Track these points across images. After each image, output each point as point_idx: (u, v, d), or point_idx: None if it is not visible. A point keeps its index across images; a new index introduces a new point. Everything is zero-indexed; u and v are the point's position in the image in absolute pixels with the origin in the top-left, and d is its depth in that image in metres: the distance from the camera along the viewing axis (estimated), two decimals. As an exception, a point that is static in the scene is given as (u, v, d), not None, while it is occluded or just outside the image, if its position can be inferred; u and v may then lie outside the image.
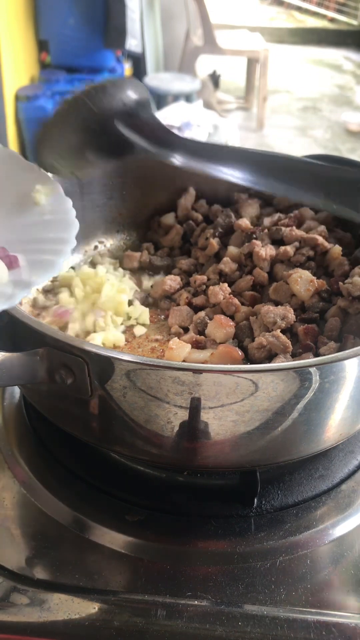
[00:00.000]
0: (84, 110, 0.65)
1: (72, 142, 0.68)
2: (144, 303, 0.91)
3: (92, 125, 0.65)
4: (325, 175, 0.67)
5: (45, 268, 0.54)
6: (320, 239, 0.85)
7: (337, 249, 0.85)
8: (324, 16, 7.35)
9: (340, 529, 0.65)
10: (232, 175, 0.67)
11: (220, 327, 0.78)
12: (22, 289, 0.51)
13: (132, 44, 3.31)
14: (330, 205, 0.64)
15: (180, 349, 0.75)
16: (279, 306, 0.78)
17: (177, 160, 0.66)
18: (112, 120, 0.65)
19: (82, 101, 0.65)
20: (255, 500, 0.66)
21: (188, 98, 3.59)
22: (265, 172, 0.66)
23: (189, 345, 0.76)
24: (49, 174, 0.69)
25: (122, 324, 0.87)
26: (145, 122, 0.65)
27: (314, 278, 0.80)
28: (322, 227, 0.89)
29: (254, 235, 0.90)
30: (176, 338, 0.78)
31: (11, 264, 0.55)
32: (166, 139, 0.65)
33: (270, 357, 0.74)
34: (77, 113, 0.66)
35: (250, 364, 0.75)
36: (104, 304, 0.85)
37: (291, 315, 0.77)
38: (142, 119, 0.65)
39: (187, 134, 3.14)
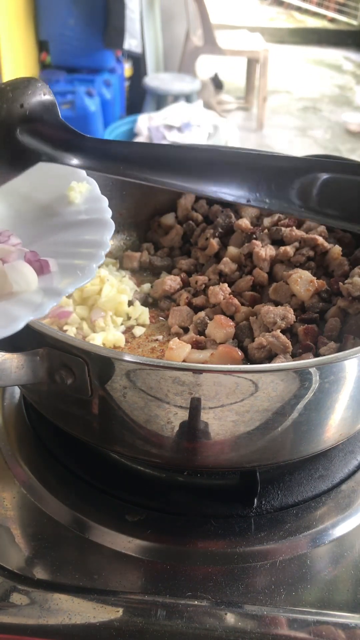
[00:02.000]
0: None
1: None
2: (144, 303, 0.91)
3: None
4: (253, 167, 0.60)
5: (78, 274, 0.50)
6: (320, 239, 0.85)
7: (337, 249, 0.85)
8: (324, 16, 7.35)
9: (340, 529, 0.65)
10: (145, 178, 0.61)
11: (220, 327, 0.78)
12: (52, 298, 0.47)
13: (132, 44, 3.31)
14: (262, 201, 0.58)
15: (180, 349, 0.75)
16: (279, 306, 0.78)
17: (82, 163, 0.58)
18: (12, 129, 0.59)
19: None
20: (255, 500, 0.66)
21: (188, 98, 3.59)
22: (183, 171, 0.60)
23: (189, 346, 0.76)
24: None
25: (122, 324, 0.87)
26: (49, 127, 0.59)
27: (314, 278, 0.80)
28: (322, 227, 0.89)
29: (254, 236, 0.90)
30: (176, 338, 0.78)
31: (42, 269, 0.51)
32: (72, 141, 0.59)
33: (270, 358, 0.74)
34: None
35: (250, 364, 0.75)
36: (104, 304, 0.85)
37: (291, 316, 0.77)
38: (45, 123, 0.59)
39: (187, 134, 3.14)
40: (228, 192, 0.59)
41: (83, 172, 0.65)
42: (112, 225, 0.57)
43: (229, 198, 0.59)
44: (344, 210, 0.59)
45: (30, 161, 0.59)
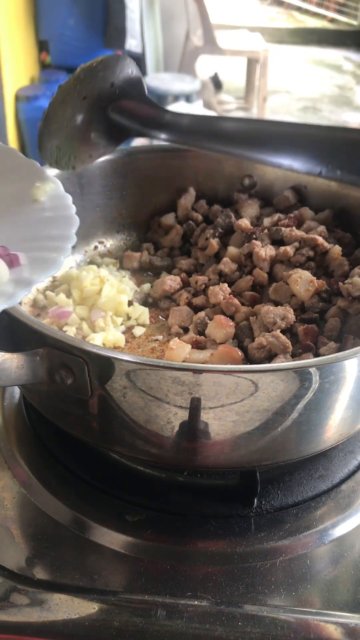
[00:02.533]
0: (85, 87, 0.65)
1: (75, 121, 0.67)
2: (144, 303, 0.91)
3: (93, 103, 0.64)
4: (325, 139, 0.62)
5: (46, 266, 0.54)
6: (320, 239, 0.85)
7: (337, 249, 0.85)
8: (324, 16, 7.35)
9: (340, 529, 0.65)
10: (228, 151, 0.65)
11: (220, 328, 0.78)
12: (23, 288, 0.51)
13: (132, 44, 3.31)
14: (334, 173, 0.60)
15: (180, 349, 0.75)
16: (279, 306, 0.78)
17: (170, 139, 0.63)
18: (104, 106, 0.64)
19: (86, 75, 0.64)
20: (255, 500, 0.66)
21: (188, 98, 3.59)
22: (262, 145, 0.62)
23: (189, 346, 0.76)
24: (48, 171, 0.69)
25: (122, 324, 0.87)
26: (136, 103, 0.64)
27: (314, 278, 0.80)
28: (322, 227, 0.89)
29: (254, 236, 0.90)
30: (176, 338, 0.78)
31: (12, 262, 0.54)
32: (158, 118, 0.63)
33: (270, 357, 0.74)
34: (80, 89, 0.65)
35: (250, 364, 0.75)
36: (104, 305, 0.85)
37: (291, 316, 0.77)
38: (133, 100, 0.64)
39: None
40: (301, 164, 0.62)
41: (46, 172, 0.68)
42: (77, 221, 0.60)
43: (302, 169, 0.62)
44: None
45: (123, 135, 0.65)
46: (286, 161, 0.62)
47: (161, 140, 0.63)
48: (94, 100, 0.65)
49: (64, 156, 0.69)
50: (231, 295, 0.83)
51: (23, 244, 0.57)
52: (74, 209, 0.62)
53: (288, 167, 0.63)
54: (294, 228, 0.88)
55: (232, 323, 0.79)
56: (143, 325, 0.87)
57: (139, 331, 0.86)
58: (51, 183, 0.65)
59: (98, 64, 0.66)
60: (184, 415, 0.57)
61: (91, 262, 0.98)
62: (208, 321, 0.81)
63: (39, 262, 0.54)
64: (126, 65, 0.64)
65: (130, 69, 0.65)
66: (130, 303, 0.89)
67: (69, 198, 0.63)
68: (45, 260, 0.54)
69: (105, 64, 0.65)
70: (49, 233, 0.59)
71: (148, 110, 0.64)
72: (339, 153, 0.60)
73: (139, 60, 3.71)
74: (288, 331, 0.77)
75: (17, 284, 0.51)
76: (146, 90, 0.66)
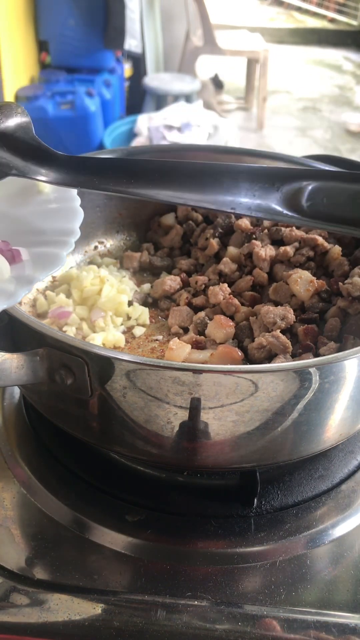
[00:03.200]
0: None
1: None
2: (144, 303, 0.91)
3: None
4: (235, 173, 0.57)
5: (49, 262, 0.51)
6: (320, 239, 0.85)
7: (337, 249, 0.85)
8: (323, 16, 7.35)
9: (340, 529, 0.65)
10: (120, 190, 0.59)
11: (220, 328, 0.78)
12: (25, 286, 0.49)
13: (132, 44, 3.31)
14: (246, 209, 0.56)
15: (180, 349, 0.75)
16: (279, 306, 0.78)
17: (54, 178, 0.57)
18: None
19: None
20: (255, 500, 0.66)
21: (188, 98, 3.59)
22: (162, 182, 0.57)
23: (189, 346, 0.76)
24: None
25: (122, 324, 0.87)
26: (22, 143, 0.58)
27: (314, 278, 0.80)
28: (322, 228, 0.89)
29: (254, 236, 0.90)
30: (176, 338, 0.78)
31: (14, 258, 0.52)
32: (44, 157, 0.58)
33: (270, 358, 0.74)
34: None
35: (250, 364, 0.75)
36: (104, 305, 0.85)
37: (291, 316, 0.77)
38: (19, 141, 0.58)
39: (187, 135, 3.14)
40: (211, 201, 0.57)
41: None
42: (81, 213, 0.58)
43: (212, 207, 0.58)
44: (333, 217, 0.58)
45: (1, 174, 0.57)
46: (193, 198, 0.57)
47: (45, 181, 0.57)
48: None
49: None
50: (231, 295, 0.83)
51: (25, 238, 0.55)
52: (78, 200, 0.59)
53: (197, 205, 0.59)
54: (293, 228, 0.88)
55: (232, 323, 0.79)
56: (143, 325, 0.87)
57: (139, 331, 0.86)
58: None
59: None
60: (184, 415, 0.57)
61: (91, 262, 0.98)
62: (208, 321, 0.81)
63: (41, 258, 0.52)
64: (13, 110, 0.59)
65: (16, 114, 0.60)
66: (130, 303, 0.89)
67: (74, 190, 0.60)
68: (48, 256, 0.52)
69: None
70: (52, 226, 0.56)
71: (36, 151, 0.58)
72: (249, 188, 0.56)
73: (139, 60, 3.71)
74: (288, 331, 0.77)
75: (18, 282, 0.49)
76: (34, 134, 0.60)
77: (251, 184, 0.57)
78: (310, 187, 0.58)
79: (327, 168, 0.86)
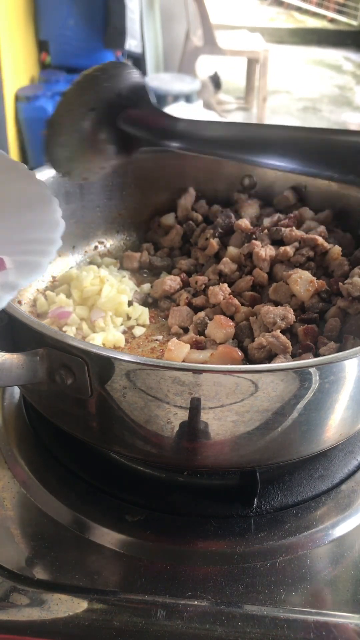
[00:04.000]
0: (92, 97, 0.64)
1: (84, 133, 0.66)
2: (144, 303, 0.91)
3: (102, 114, 0.64)
4: (328, 142, 0.61)
5: (31, 269, 0.54)
6: (320, 240, 0.85)
7: (336, 249, 0.85)
8: (323, 16, 7.35)
9: (340, 529, 0.65)
10: (234, 157, 0.65)
11: (220, 328, 0.78)
12: (9, 291, 0.51)
13: (132, 44, 3.31)
14: (345, 176, 0.60)
15: (178, 350, 0.75)
16: (279, 306, 0.78)
17: (184, 148, 0.63)
18: (113, 118, 0.63)
19: (90, 80, 0.65)
20: (255, 500, 0.66)
21: (188, 98, 3.59)
22: (268, 150, 0.62)
23: (188, 346, 0.76)
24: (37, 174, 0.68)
25: (122, 324, 0.87)
26: (146, 112, 0.63)
27: (314, 278, 0.80)
28: (322, 228, 0.89)
29: (254, 236, 0.90)
30: (175, 339, 0.78)
31: None
32: (171, 127, 0.62)
33: (270, 358, 0.74)
34: (86, 99, 0.65)
35: (250, 364, 0.75)
36: (104, 305, 0.85)
37: (291, 316, 0.77)
38: (141, 109, 0.63)
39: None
40: (309, 168, 0.61)
41: (32, 173, 0.67)
42: (62, 224, 0.60)
43: (311, 173, 0.63)
44: None
45: (135, 145, 0.64)
46: (294, 166, 0.62)
47: (174, 149, 0.63)
48: (102, 112, 0.64)
49: (76, 168, 0.68)
50: (231, 296, 0.83)
51: (8, 248, 0.57)
52: (59, 212, 0.62)
53: (300, 171, 0.64)
54: (293, 228, 0.88)
55: (232, 323, 0.79)
56: (143, 325, 0.87)
57: (139, 331, 0.86)
58: (37, 185, 0.66)
59: (102, 72, 0.64)
60: (184, 415, 0.57)
61: (91, 262, 0.98)
62: (208, 321, 0.81)
63: (24, 266, 0.55)
64: (130, 73, 0.64)
65: (134, 77, 0.64)
66: (130, 303, 0.89)
67: (56, 201, 0.63)
68: (31, 264, 0.55)
69: (109, 73, 0.64)
70: (34, 236, 0.59)
71: (159, 120, 0.63)
72: (340, 157, 0.60)
73: (139, 60, 3.71)
74: (288, 331, 0.77)
75: (2, 288, 0.52)
76: (152, 97, 0.65)
77: (342, 154, 0.60)
78: None
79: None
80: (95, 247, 1.00)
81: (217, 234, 0.94)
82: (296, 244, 0.87)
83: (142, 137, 0.63)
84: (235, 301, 0.82)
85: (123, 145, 0.65)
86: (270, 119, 4.60)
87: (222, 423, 0.57)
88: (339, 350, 0.73)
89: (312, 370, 0.55)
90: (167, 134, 0.62)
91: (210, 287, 0.85)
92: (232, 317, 0.81)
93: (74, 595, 0.58)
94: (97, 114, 0.64)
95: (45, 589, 0.58)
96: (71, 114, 0.66)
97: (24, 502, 0.67)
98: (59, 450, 0.73)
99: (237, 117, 4.67)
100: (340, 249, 0.85)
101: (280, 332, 0.75)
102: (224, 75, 4.73)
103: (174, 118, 0.63)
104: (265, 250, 0.85)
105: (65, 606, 0.57)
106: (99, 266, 0.95)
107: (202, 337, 0.80)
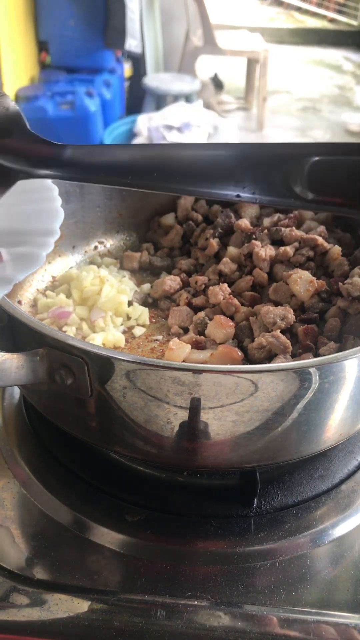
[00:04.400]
0: None
1: None
2: (144, 303, 0.91)
3: None
4: (236, 158, 0.55)
5: (28, 262, 0.52)
6: (320, 240, 0.85)
7: (336, 249, 0.85)
8: (323, 16, 7.35)
9: (340, 529, 0.65)
10: (128, 183, 0.55)
11: (220, 328, 0.78)
12: (4, 286, 0.49)
13: (132, 44, 3.31)
14: (251, 194, 0.54)
15: (180, 350, 0.75)
16: (279, 306, 0.78)
17: (63, 175, 0.55)
18: None
19: None
20: (255, 500, 0.66)
21: (188, 98, 3.59)
22: (167, 173, 0.55)
23: (189, 346, 0.76)
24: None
25: (122, 324, 0.87)
26: (20, 142, 0.55)
27: (314, 278, 0.80)
28: (322, 228, 0.89)
29: (254, 236, 0.90)
30: (176, 338, 0.78)
31: None
32: (50, 154, 0.54)
33: (270, 358, 0.74)
34: None
35: (250, 364, 0.75)
36: (104, 305, 0.85)
37: (291, 316, 0.77)
38: (15, 138, 0.55)
39: (187, 135, 3.14)
40: (216, 190, 0.55)
41: None
42: (62, 214, 0.58)
43: (219, 195, 0.55)
44: (337, 195, 0.56)
45: (10, 179, 0.55)
46: (200, 189, 0.56)
47: (60, 179, 0.55)
48: None
49: None
50: (231, 296, 0.83)
51: (5, 238, 0.55)
52: (59, 201, 0.59)
53: (203, 195, 0.58)
54: (293, 228, 0.88)
55: (232, 323, 0.79)
56: (143, 325, 0.87)
57: (139, 331, 0.86)
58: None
59: None
60: (183, 415, 0.57)
61: (91, 262, 0.98)
62: (208, 321, 0.81)
63: (21, 258, 0.52)
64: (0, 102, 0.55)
65: (4, 106, 0.55)
66: (130, 303, 0.89)
67: (55, 190, 0.60)
68: (28, 256, 0.53)
69: None
70: (32, 227, 0.57)
71: (40, 148, 0.55)
72: (251, 172, 0.54)
73: (139, 60, 3.71)
74: (288, 331, 0.77)
75: None
76: (28, 125, 0.56)
77: (253, 169, 0.55)
78: (309, 164, 0.55)
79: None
80: (95, 247, 1.00)
81: (217, 234, 0.94)
82: (296, 244, 0.87)
83: (18, 168, 0.54)
84: (235, 301, 0.82)
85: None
86: (270, 119, 4.60)
87: (222, 423, 0.57)
88: (339, 350, 0.73)
89: (312, 370, 0.55)
90: (49, 162, 0.54)
91: (210, 287, 0.85)
92: (232, 317, 0.81)
93: (74, 595, 0.58)
94: None
95: (45, 589, 0.58)
96: None
97: (24, 502, 0.67)
98: (59, 450, 0.73)
99: (237, 117, 4.67)
100: (340, 249, 0.85)
101: (280, 332, 0.75)
102: (224, 75, 4.73)
103: (58, 145, 0.55)
104: (265, 250, 0.85)
105: (65, 606, 0.57)
106: (99, 266, 0.95)
107: (202, 337, 0.80)
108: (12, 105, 0.55)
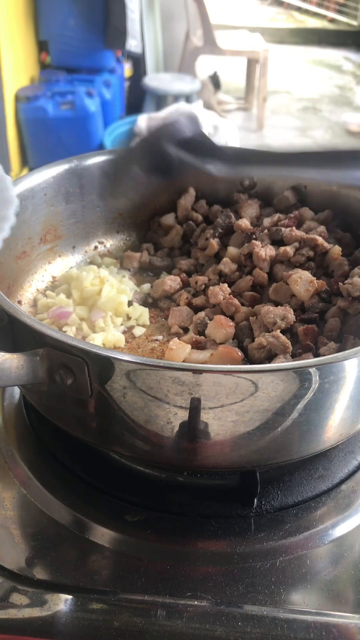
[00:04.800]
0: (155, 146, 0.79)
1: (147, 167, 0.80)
2: (144, 303, 0.91)
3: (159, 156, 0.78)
4: None
5: None
6: (320, 240, 0.85)
7: (336, 249, 0.85)
8: (324, 16, 7.34)
9: (340, 529, 0.65)
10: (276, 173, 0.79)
11: (220, 328, 0.78)
12: None
13: (132, 44, 3.31)
14: None
15: (180, 350, 0.75)
16: (279, 306, 0.78)
17: (217, 169, 0.77)
18: (166, 150, 0.78)
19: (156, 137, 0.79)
20: (255, 500, 0.66)
21: (188, 99, 3.59)
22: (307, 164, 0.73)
23: (189, 346, 0.76)
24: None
25: (122, 324, 0.87)
26: (195, 143, 0.77)
27: (314, 278, 0.80)
28: (322, 228, 0.89)
29: (254, 236, 0.90)
30: (176, 338, 0.78)
31: None
32: (209, 151, 0.74)
33: (270, 358, 0.74)
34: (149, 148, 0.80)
35: (250, 364, 0.75)
36: (104, 305, 0.85)
37: (291, 316, 0.77)
38: (192, 142, 0.77)
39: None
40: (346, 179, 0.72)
41: None
42: (14, 201, 0.61)
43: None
44: None
45: (180, 169, 0.78)
46: (339, 175, 0.75)
47: (218, 172, 0.78)
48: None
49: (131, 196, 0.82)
50: (231, 296, 0.83)
51: None
52: (13, 189, 0.62)
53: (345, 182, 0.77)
54: (293, 228, 0.88)
55: (232, 323, 0.79)
56: (143, 325, 0.87)
57: (139, 331, 0.86)
58: None
59: (169, 123, 0.79)
60: (184, 415, 0.57)
61: (91, 262, 0.98)
62: (208, 321, 0.81)
63: None
64: (190, 121, 0.79)
65: (194, 124, 0.79)
66: (130, 303, 0.89)
67: (8, 179, 0.63)
68: None
69: (175, 124, 0.79)
70: None
71: (204, 147, 0.77)
72: None
73: (139, 60, 3.71)
74: (288, 331, 0.77)
75: None
76: (205, 136, 0.80)
77: None
78: None
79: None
80: (95, 247, 1.00)
81: (217, 234, 0.94)
82: (296, 244, 0.87)
83: (190, 162, 0.77)
84: (235, 301, 0.82)
85: (171, 170, 0.81)
86: (270, 119, 4.60)
87: (222, 423, 0.57)
88: (339, 350, 0.73)
89: (312, 370, 0.55)
90: (211, 156, 0.76)
91: (210, 287, 0.85)
92: (232, 317, 0.81)
93: (74, 595, 0.58)
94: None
95: (45, 589, 0.58)
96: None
97: (24, 502, 0.67)
98: (59, 451, 0.73)
99: (237, 117, 4.67)
100: (340, 249, 0.85)
101: (280, 332, 0.75)
102: (224, 75, 4.73)
103: (220, 146, 0.79)
104: (265, 251, 0.85)
105: (65, 606, 0.57)
106: (99, 266, 0.95)
107: (202, 337, 0.80)
108: (198, 123, 0.78)
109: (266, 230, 0.90)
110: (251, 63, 4.60)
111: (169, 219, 1.01)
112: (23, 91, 2.97)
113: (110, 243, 1.02)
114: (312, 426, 0.60)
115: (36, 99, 2.93)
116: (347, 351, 0.56)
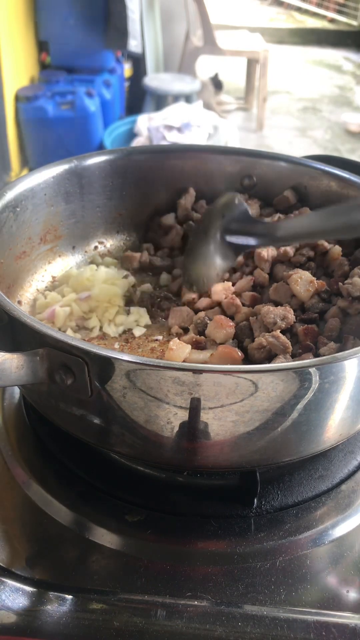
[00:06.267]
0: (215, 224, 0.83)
1: (209, 253, 0.83)
2: (140, 303, 0.91)
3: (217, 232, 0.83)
4: None
5: None
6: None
7: (337, 250, 0.85)
8: (323, 17, 7.35)
9: (340, 529, 0.65)
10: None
11: (220, 328, 0.78)
12: None
13: (132, 44, 3.31)
14: None
15: (180, 350, 0.75)
16: (279, 307, 0.78)
17: (270, 243, 0.82)
18: (222, 234, 0.82)
19: (215, 215, 0.83)
20: (255, 500, 0.66)
21: (188, 99, 3.59)
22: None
23: (189, 346, 0.76)
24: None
25: (122, 324, 0.86)
26: (246, 225, 0.81)
27: (314, 279, 0.80)
28: (322, 228, 0.89)
29: (254, 236, 0.90)
30: (176, 338, 0.78)
31: None
32: (271, 233, 0.78)
33: (270, 358, 0.74)
34: (211, 226, 0.83)
35: (250, 364, 0.75)
36: (97, 296, 0.86)
37: (291, 316, 0.77)
38: (240, 224, 0.81)
39: (187, 135, 3.14)
40: None
41: None
42: None
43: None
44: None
45: (238, 253, 0.84)
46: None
47: (261, 246, 0.84)
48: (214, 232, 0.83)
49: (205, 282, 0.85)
50: (233, 295, 0.83)
51: None
52: None
53: None
54: (294, 228, 0.88)
55: (232, 323, 0.79)
56: (143, 326, 0.87)
57: (139, 331, 0.86)
58: None
59: (219, 207, 0.83)
60: (184, 415, 0.57)
61: (91, 262, 0.98)
62: (208, 321, 0.81)
63: None
64: (236, 205, 0.82)
65: (238, 207, 0.82)
66: (130, 303, 0.89)
67: None
68: None
69: (224, 207, 0.83)
70: None
71: (252, 227, 0.81)
72: None
73: (139, 60, 3.71)
74: (288, 331, 0.77)
75: None
76: (249, 214, 0.83)
77: None
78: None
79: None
80: (95, 247, 1.00)
81: (217, 234, 0.94)
82: (296, 244, 0.86)
83: (243, 244, 0.81)
84: (237, 301, 0.82)
85: (228, 254, 0.83)
86: (270, 119, 4.60)
87: (222, 423, 0.57)
88: (339, 350, 0.73)
89: (312, 370, 0.55)
90: (266, 237, 0.78)
91: (213, 285, 0.84)
92: (232, 317, 0.81)
93: (74, 595, 0.58)
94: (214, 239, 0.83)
95: (46, 589, 0.58)
96: (201, 242, 0.85)
97: (24, 502, 0.67)
98: (59, 451, 0.73)
99: (237, 117, 4.67)
100: (340, 249, 0.85)
101: (280, 332, 0.75)
102: (224, 75, 4.73)
103: (270, 224, 0.81)
104: (267, 251, 0.85)
105: (65, 606, 0.57)
106: (98, 266, 0.95)
107: (202, 337, 0.80)
108: (243, 204, 0.82)
109: (266, 230, 0.90)
110: (251, 63, 4.60)
111: (169, 219, 1.01)
112: (23, 91, 2.97)
113: (110, 243, 1.02)
114: (312, 426, 0.60)
115: (36, 99, 2.93)
116: (347, 351, 0.56)
